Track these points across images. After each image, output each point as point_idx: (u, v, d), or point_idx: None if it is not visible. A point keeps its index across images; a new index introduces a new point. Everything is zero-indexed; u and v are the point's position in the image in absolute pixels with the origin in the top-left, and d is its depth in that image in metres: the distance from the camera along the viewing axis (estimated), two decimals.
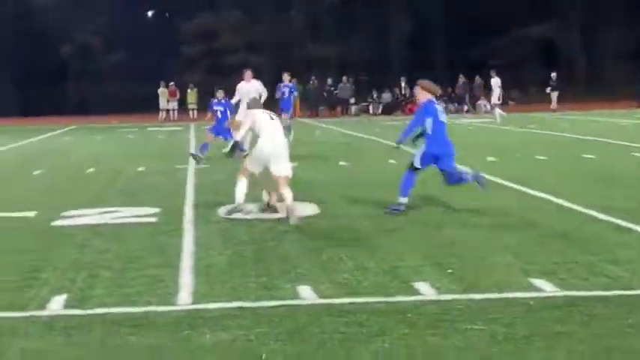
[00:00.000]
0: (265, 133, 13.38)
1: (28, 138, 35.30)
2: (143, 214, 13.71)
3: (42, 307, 8.11)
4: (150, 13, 70.94)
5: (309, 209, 13.77)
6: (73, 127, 45.08)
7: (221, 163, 19.29)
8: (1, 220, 13.34)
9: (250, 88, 23.58)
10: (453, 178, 13.58)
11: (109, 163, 22.71)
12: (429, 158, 13.34)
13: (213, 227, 12.41)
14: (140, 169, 20.98)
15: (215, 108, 23.77)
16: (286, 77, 29.94)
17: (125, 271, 9.60)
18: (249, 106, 14.35)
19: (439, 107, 13.66)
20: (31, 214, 13.87)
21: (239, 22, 64.77)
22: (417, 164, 13.36)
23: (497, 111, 41.22)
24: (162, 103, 53.37)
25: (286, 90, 29.41)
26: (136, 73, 59.71)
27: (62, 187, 17.52)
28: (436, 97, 13.81)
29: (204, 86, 46.36)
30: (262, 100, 20.16)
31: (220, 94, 23.95)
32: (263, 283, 8.93)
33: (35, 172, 20.53)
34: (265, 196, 13.89)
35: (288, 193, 12.89)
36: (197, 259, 10.15)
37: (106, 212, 13.89)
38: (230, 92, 24.45)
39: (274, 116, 13.89)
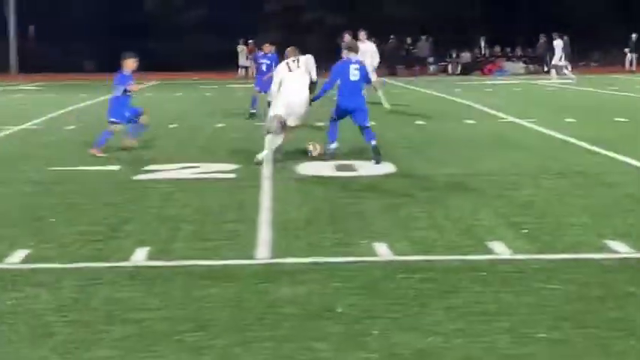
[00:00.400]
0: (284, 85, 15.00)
1: (108, 93, 35.78)
2: (222, 170, 13.96)
3: (126, 258, 8.37)
4: None
5: (385, 167, 13.91)
6: (154, 82, 45.59)
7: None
8: (87, 174, 13.69)
9: (365, 49, 23.01)
10: (368, 136, 14.84)
11: (190, 120, 23.04)
12: (341, 111, 15.13)
13: (290, 184, 12.61)
14: (219, 125, 21.26)
15: (261, 61, 23.85)
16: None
17: (205, 225, 9.84)
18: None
19: (353, 66, 15.10)
20: (115, 167, 14.22)
21: None
22: (333, 115, 15.31)
23: (552, 72, 41.05)
24: (242, 60, 53.65)
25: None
26: (216, 30, 60.08)
27: (144, 142, 17.84)
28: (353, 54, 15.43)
29: (283, 44, 46.46)
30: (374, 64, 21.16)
31: (268, 47, 23.97)
32: (339, 239, 9.10)
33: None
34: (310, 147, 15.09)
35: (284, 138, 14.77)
36: (274, 215, 10.35)
37: (186, 167, 14.17)
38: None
39: (294, 67, 15.23)
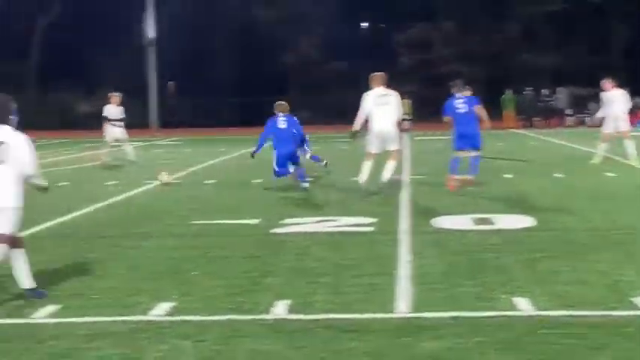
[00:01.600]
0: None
1: (246, 147, 36.39)
2: (359, 223, 14.01)
3: (267, 311, 8.47)
4: (365, 25, 71.78)
5: (525, 221, 13.75)
6: None
7: (437, 174, 19.39)
8: (228, 227, 13.93)
9: (613, 96, 24.61)
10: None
11: (325, 173, 23.21)
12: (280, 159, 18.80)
13: (428, 237, 12.56)
14: (354, 178, 21.35)
15: None
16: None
17: (343, 279, 9.88)
18: None
19: (280, 119, 19.17)
20: (254, 221, 14.43)
21: (453, 32, 64.64)
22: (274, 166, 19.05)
23: None
24: None
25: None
26: (353, 83, 60.67)
27: (281, 196, 18.06)
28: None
29: (419, 97, 46.58)
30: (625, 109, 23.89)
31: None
32: (479, 293, 9.02)
33: (255, 181, 21.25)
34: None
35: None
36: (413, 268, 10.33)
37: (322, 221, 14.28)
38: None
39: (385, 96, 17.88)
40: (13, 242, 9.03)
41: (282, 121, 19.22)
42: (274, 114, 19.37)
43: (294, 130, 19.48)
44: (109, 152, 27.89)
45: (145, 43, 60.49)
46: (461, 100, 18.56)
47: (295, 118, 19.95)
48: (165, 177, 19.96)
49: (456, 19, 64.60)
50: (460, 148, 18.61)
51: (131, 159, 27.74)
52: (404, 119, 52.39)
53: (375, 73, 18.24)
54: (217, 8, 63.98)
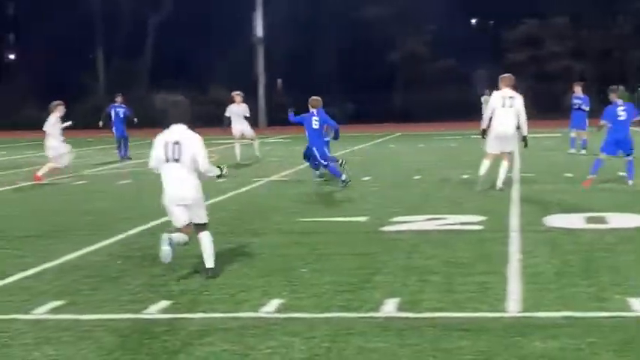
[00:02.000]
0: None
1: (355, 145, 36.49)
2: (469, 221, 13.91)
3: (376, 308, 8.47)
4: (474, 21, 71.25)
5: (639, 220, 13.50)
6: (398, 134, 46.11)
7: (548, 173, 19.11)
8: (337, 225, 13.97)
9: None
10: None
11: (433, 171, 23.12)
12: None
13: (539, 236, 12.40)
14: (464, 176, 21.21)
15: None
16: None
17: (453, 277, 9.82)
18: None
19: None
20: (363, 219, 14.44)
21: (564, 28, 63.67)
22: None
23: None
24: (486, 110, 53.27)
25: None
26: (460, 81, 60.37)
27: (390, 193, 18.05)
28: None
29: (528, 93, 45.94)
30: None
31: None
32: (592, 293, 8.87)
33: (364, 178, 21.27)
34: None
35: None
36: (524, 267, 10.22)
37: (432, 219, 14.21)
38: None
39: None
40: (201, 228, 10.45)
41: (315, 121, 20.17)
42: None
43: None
44: (239, 148, 28.02)
45: (254, 41, 61.10)
46: (622, 108, 18.52)
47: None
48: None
49: (567, 15, 63.60)
50: (611, 153, 18.55)
51: (257, 154, 28.09)
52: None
53: (504, 75, 18.37)
54: (325, 6, 64.23)
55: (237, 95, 28.32)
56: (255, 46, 61.95)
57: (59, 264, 11.16)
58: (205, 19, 63.52)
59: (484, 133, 18.48)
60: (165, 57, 64.93)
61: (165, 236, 10.06)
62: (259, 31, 61.19)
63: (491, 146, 18.12)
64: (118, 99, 31.75)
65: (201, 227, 10.42)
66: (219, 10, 62.91)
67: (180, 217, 10.32)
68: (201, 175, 10.40)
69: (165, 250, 9.97)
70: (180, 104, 10.83)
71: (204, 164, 10.29)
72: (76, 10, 64.07)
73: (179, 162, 10.20)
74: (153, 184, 13.96)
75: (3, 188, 20.99)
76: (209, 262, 10.31)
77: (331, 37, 64.52)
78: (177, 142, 10.22)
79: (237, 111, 28.09)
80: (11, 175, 24.76)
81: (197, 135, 10.29)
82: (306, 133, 20.24)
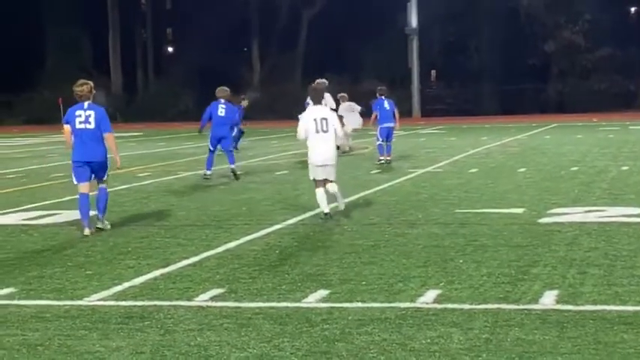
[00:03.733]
0: None
1: (509, 136, 36.09)
2: (630, 213, 13.61)
3: (535, 300, 8.39)
4: (632, 10, 69.40)
5: None
6: (554, 125, 45.34)
7: None
8: (492, 216, 13.86)
9: None
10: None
11: (591, 162, 22.68)
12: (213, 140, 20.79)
13: None
14: (624, 168, 20.74)
15: None
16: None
17: (613, 270, 9.64)
18: None
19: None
20: (519, 210, 14.29)
21: None
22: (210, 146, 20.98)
23: None
24: None
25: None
26: (619, 70, 58.91)
27: (546, 185, 17.80)
28: None
29: None
30: None
31: None
32: None
33: (520, 170, 21.04)
34: None
35: None
36: None
37: (591, 211, 13.96)
38: None
39: None
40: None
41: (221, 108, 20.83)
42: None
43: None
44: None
45: (408, 32, 61.01)
46: None
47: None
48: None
49: None
50: None
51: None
52: None
53: None
54: None
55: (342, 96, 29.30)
56: (409, 36, 61.84)
57: (219, 252, 11.43)
58: (358, 11, 63.80)
59: None
60: (317, 50, 65.57)
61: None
62: (414, 22, 61.03)
63: None
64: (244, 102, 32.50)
65: (330, 182, 13.83)
66: (373, 1, 63.09)
67: (320, 174, 13.76)
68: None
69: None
70: (318, 90, 14.88)
71: (340, 135, 14.22)
72: (231, 5, 65.35)
73: (327, 132, 13.70)
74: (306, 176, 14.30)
75: (164, 178, 21.59)
76: (341, 205, 14.12)
77: (485, 27, 63.87)
78: (324, 118, 13.74)
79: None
80: (171, 166, 25.44)
81: (335, 113, 15.08)
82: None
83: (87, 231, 13.01)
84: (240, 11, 67.26)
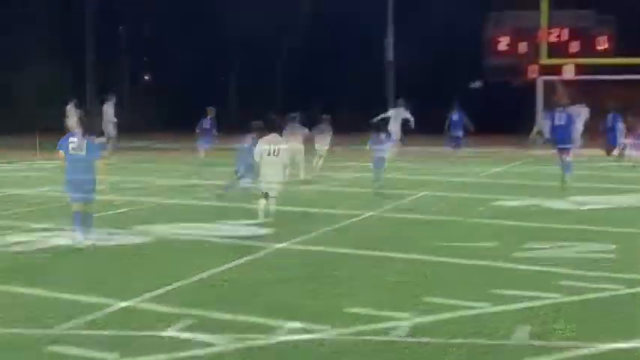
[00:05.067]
0: None
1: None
2: None
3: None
4: None
5: None
6: None
7: None
8: None
9: None
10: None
11: None
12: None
13: None
14: None
15: None
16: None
17: None
18: None
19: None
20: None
21: None
22: None
23: None
24: None
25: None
26: None
27: None
28: None
29: None
30: None
31: None
32: None
33: None
34: None
35: None
36: None
37: None
38: None
39: None
40: None
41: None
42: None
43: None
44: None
45: (385, 64, 61.07)
46: None
47: None
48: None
49: None
50: None
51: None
52: None
53: None
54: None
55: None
56: (385, 68, 61.91)
57: (193, 281, 11.21)
58: (336, 43, 63.92)
59: None
60: (295, 81, 65.71)
61: None
62: (389, 55, 61.06)
63: None
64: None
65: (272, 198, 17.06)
66: (351, 33, 63.17)
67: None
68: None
69: None
70: (275, 121, 18.95)
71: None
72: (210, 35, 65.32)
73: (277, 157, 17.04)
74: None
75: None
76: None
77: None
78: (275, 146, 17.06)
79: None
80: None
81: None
82: None
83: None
84: (219, 42, 67.20)
